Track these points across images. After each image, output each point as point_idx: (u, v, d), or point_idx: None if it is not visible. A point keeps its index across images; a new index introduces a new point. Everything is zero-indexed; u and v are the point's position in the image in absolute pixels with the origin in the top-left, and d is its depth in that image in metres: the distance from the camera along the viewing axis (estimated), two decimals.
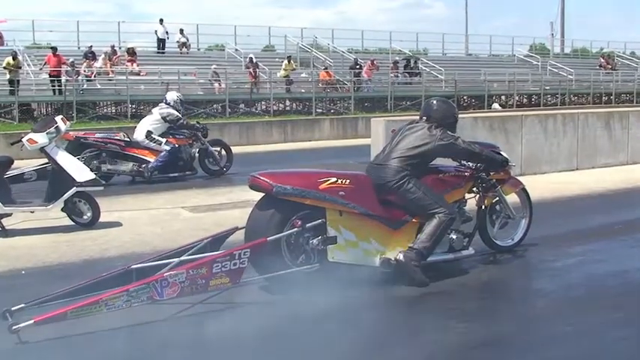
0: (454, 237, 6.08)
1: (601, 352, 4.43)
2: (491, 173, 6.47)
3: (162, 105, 12.86)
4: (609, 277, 6.06)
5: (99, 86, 24.97)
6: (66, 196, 7.79)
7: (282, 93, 27.80)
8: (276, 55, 32.53)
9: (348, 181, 5.63)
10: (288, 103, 28.06)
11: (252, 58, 28.00)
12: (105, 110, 24.58)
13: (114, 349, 4.43)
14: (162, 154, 12.12)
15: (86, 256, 6.83)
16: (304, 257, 5.52)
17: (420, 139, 5.97)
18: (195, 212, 9.06)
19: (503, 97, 32.51)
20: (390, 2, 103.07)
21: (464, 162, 6.43)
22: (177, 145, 12.35)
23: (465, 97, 30.94)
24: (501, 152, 6.70)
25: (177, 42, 30.31)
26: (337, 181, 5.56)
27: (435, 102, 6.36)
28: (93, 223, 7.99)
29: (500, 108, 29.26)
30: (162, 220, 8.59)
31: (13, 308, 4.59)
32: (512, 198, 6.89)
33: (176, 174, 12.30)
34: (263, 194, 5.56)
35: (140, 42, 30.64)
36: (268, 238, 5.28)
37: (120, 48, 27.88)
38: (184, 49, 30.31)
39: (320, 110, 26.69)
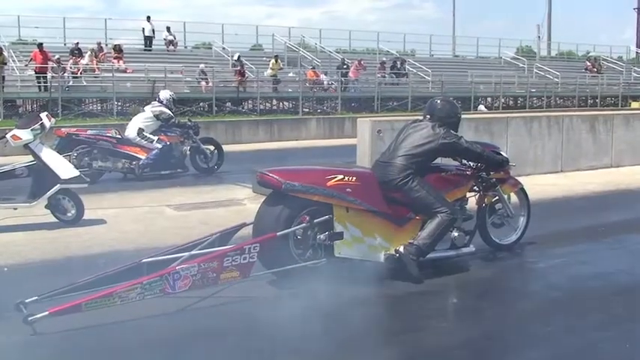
0: (456, 235, 6.19)
1: (583, 353, 4.46)
2: (492, 173, 6.63)
3: (155, 103, 12.93)
4: (592, 279, 6.11)
5: (85, 83, 24.86)
6: (50, 193, 7.75)
7: (269, 92, 27.79)
8: (263, 54, 32.47)
9: (354, 178, 5.77)
10: (274, 102, 28.05)
11: (239, 56, 27.97)
12: (90, 107, 24.47)
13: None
14: (153, 151, 12.14)
15: (70, 253, 6.79)
16: (311, 252, 5.66)
17: (423, 138, 6.10)
18: (179, 210, 9.04)
19: (489, 99, 32.64)
20: (379, 2, 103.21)
21: (464, 161, 6.55)
22: (168, 143, 12.40)
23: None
24: (501, 152, 6.86)
25: (164, 40, 30.22)
26: (344, 178, 5.71)
27: (438, 101, 6.52)
28: (77, 221, 7.94)
29: (485, 110, 29.35)
30: (147, 218, 8.56)
31: (26, 300, 4.64)
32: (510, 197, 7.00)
33: (167, 171, 12.33)
34: (271, 190, 5.71)
35: (127, 39, 30.46)
36: (277, 233, 5.41)
37: (106, 45, 27.73)
38: (171, 47, 30.22)
39: (307, 110, 26.67)
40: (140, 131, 12.24)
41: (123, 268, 5.28)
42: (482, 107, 30.13)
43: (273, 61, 28.31)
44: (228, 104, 26.12)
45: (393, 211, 5.95)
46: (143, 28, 29.68)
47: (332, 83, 28.89)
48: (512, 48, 42.56)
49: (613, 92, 36.98)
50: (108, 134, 12.19)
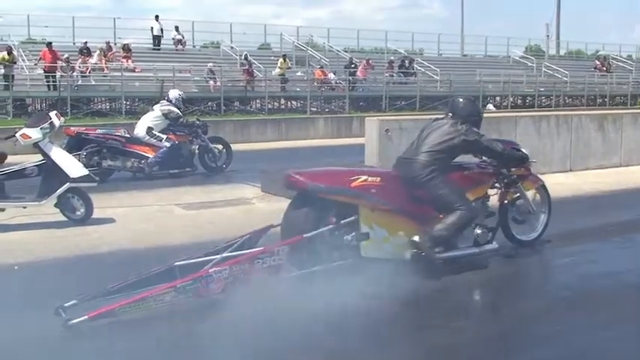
0: (479, 232, 6.29)
1: (591, 352, 4.46)
2: (513, 169, 6.72)
3: (164, 102, 13.00)
4: (601, 278, 6.11)
5: (93, 82, 24.93)
6: (59, 191, 7.78)
7: (277, 91, 27.80)
8: (271, 54, 32.48)
9: (378, 178, 5.88)
10: (282, 101, 28.07)
11: (246, 55, 28.00)
12: (99, 106, 24.55)
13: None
14: (161, 150, 12.17)
15: (79, 251, 6.81)
16: (338, 253, 5.66)
17: (445, 135, 6.19)
18: (188, 210, 9.05)
19: (497, 98, 32.54)
20: (387, 2, 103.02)
21: (485, 158, 6.61)
22: (177, 142, 12.43)
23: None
24: (521, 149, 6.92)
25: (173, 39, 30.28)
26: (368, 178, 5.81)
27: (461, 100, 6.65)
28: (86, 220, 7.96)
29: (494, 109, 29.29)
30: (156, 217, 8.58)
31: (65, 304, 4.68)
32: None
33: (176, 170, 12.35)
34: (296, 192, 5.80)
35: (135, 38, 30.54)
36: (305, 235, 5.46)
37: (115, 44, 27.81)
38: (180, 46, 30.28)
39: (314, 109, 26.67)
40: (149, 130, 12.28)
41: (156, 271, 5.31)
42: (490, 106, 30.05)
43: (281, 60, 28.33)
44: (236, 103, 26.17)
45: (418, 210, 6.02)
46: (152, 28, 29.74)
47: (340, 82, 28.87)
48: (521, 47, 42.48)
49: (622, 91, 36.84)
50: (117, 133, 12.23)
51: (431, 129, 6.31)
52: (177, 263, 5.41)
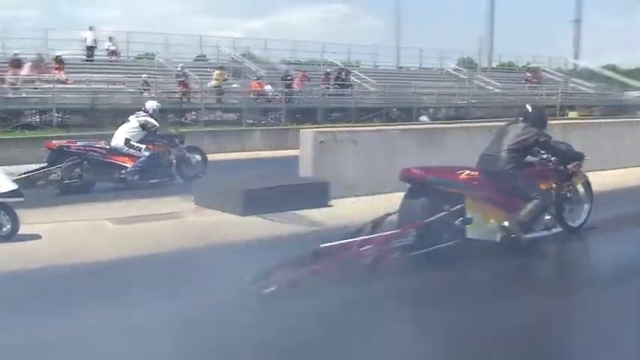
0: (548, 218, 7.60)
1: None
2: (569, 166, 8.03)
3: (140, 113, 13.16)
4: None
5: (24, 94, 24.28)
6: None
7: (213, 103, 27.62)
8: (208, 65, 32.25)
9: (476, 172, 7.16)
10: (218, 113, 27.88)
11: (182, 67, 27.76)
12: (29, 119, 23.91)
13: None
14: (140, 159, 12.35)
15: (4, 269, 6.64)
16: (448, 235, 6.80)
17: (519, 136, 7.51)
18: (119, 224, 8.87)
19: (431, 110, 32.95)
20: (328, 14, 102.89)
21: (545, 157, 7.84)
22: (156, 152, 12.62)
23: (394, 110, 31.27)
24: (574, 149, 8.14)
25: (107, 50, 29.79)
26: (471, 173, 7.09)
27: (530, 106, 8.08)
28: (12, 236, 7.76)
29: (428, 120, 29.69)
30: (84, 232, 8.40)
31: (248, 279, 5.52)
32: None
33: (155, 180, 12.52)
34: (411, 186, 6.96)
35: (69, 50, 29.76)
36: (425, 221, 6.58)
37: (47, 55, 27.18)
38: (113, 57, 29.81)
39: (250, 121, 26.58)
40: (127, 141, 12.48)
41: (307, 253, 6.15)
42: (424, 118, 30.46)
43: (217, 72, 28.13)
44: (171, 115, 25.88)
45: (503, 199, 7.19)
46: (85, 38, 29.14)
47: (276, 94, 28.85)
48: (454, 60, 43.18)
49: (552, 102, 37.73)
50: (97, 145, 12.36)
51: (506, 131, 7.59)
52: (322, 245, 6.25)
